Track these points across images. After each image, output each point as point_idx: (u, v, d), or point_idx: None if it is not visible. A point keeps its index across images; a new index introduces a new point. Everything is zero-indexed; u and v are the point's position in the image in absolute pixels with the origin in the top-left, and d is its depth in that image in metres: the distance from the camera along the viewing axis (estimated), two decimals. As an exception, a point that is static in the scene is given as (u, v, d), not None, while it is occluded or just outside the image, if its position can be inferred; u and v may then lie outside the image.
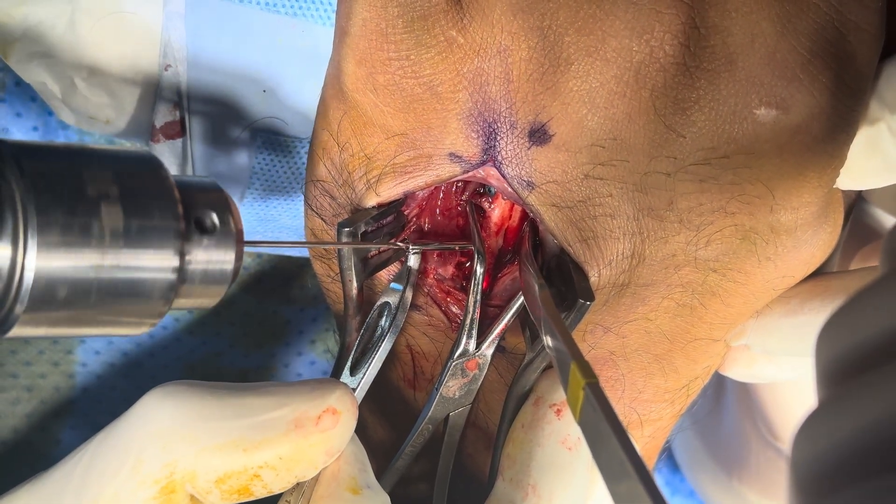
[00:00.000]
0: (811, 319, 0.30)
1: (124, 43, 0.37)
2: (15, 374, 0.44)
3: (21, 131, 0.39)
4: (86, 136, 0.40)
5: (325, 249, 0.35)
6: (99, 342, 0.45)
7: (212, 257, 0.24)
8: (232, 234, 0.24)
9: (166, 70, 0.38)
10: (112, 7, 0.36)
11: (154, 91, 0.38)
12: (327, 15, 0.37)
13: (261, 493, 0.26)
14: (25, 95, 0.40)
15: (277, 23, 0.37)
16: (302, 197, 0.41)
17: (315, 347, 0.50)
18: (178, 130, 0.39)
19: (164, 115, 0.39)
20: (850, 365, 0.18)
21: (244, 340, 0.48)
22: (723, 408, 0.51)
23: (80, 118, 0.39)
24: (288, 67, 0.38)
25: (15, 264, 0.20)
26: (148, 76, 0.38)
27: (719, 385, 0.51)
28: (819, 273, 0.32)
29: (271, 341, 0.49)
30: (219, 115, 0.39)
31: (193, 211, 0.23)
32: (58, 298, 0.21)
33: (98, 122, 0.39)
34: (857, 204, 0.39)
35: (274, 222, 0.42)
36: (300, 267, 0.48)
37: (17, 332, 0.21)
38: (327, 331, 0.50)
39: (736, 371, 0.34)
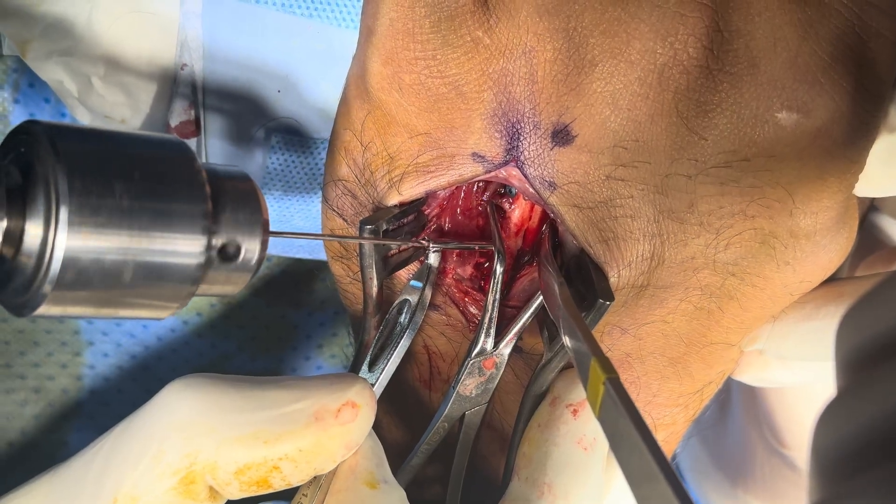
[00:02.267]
0: (826, 324, 0.30)
1: (141, 42, 0.37)
2: (23, 376, 0.44)
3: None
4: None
5: (345, 250, 0.35)
6: (107, 345, 0.45)
7: (238, 245, 0.24)
8: (258, 223, 0.24)
9: (182, 69, 0.38)
10: (130, 6, 0.36)
11: (170, 90, 0.38)
12: (342, 17, 0.37)
13: (279, 486, 0.26)
14: (39, 97, 0.40)
15: (292, 24, 0.37)
16: (317, 198, 0.41)
17: (322, 352, 0.50)
18: (193, 129, 0.39)
19: (179, 114, 0.39)
20: (871, 353, 0.19)
21: (252, 344, 0.48)
22: (728, 417, 0.51)
23: (96, 117, 0.39)
24: (303, 68, 0.39)
25: (46, 243, 0.21)
26: (164, 75, 0.38)
27: (725, 394, 0.51)
28: (832, 279, 0.32)
29: (279, 345, 0.49)
30: (234, 114, 0.39)
31: (222, 198, 0.24)
32: (85, 279, 0.21)
33: (113, 121, 0.39)
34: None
35: (288, 223, 0.42)
36: (309, 271, 0.48)
37: (43, 310, 0.21)
38: (335, 335, 0.50)
39: (749, 375, 0.34)
